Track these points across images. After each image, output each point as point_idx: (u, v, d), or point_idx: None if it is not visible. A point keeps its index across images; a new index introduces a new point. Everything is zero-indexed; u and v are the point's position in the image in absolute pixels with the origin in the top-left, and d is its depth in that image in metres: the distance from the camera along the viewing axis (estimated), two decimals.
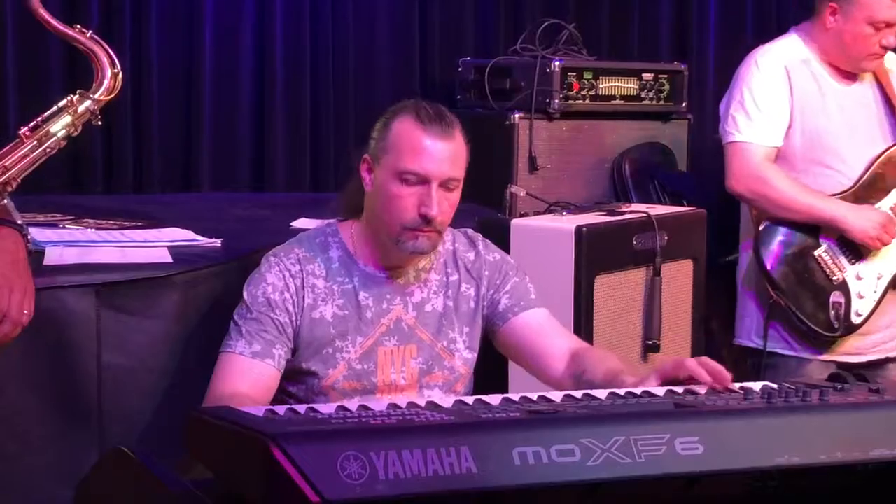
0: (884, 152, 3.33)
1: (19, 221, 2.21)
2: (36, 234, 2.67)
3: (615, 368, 2.27)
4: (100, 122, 2.20)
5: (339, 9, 4.44)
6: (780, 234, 3.28)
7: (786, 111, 3.29)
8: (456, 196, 2.34)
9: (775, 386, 1.97)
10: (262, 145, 4.34)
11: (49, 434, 2.44)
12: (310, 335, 2.34)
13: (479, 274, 2.46)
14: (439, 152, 2.29)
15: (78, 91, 2.17)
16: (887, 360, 3.40)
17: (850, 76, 3.34)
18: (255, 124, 4.34)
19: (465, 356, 2.44)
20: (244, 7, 4.29)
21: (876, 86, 3.38)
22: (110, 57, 2.19)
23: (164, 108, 4.17)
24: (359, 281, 2.38)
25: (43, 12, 2.14)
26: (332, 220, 2.46)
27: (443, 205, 2.29)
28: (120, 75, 2.20)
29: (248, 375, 2.26)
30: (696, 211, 3.69)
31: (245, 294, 2.34)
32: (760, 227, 3.31)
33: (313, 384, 2.34)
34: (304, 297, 2.34)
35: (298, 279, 2.35)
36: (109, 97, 2.19)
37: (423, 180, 2.28)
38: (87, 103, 2.16)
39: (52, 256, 2.54)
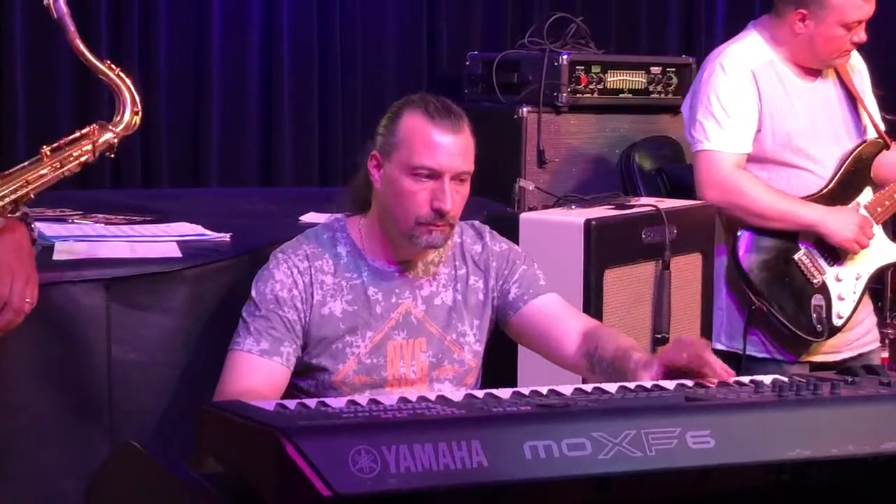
0: (854, 150, 3.32)
1: (29, 213, 2.22)
2: (45, 228, 2.67)
3: (624, 345, 2.28)
4: (113, 156, 2.26)
5: (347, 3, 4.45)
6: (758, 240, 3.26)
7: (754, 116, 3.26)
8: (466, 189, 2.34)
9: (786, 379, 1.97)
10: (270, 140, 4.34)
11: (59, 428, 2.44)
12: (319, 331, 2.34)
13: (486, 266, 2.47)
14: (451, 146, 2.29)
15: (99, 122, 2.23)
16: (861, 356, 3.38)
17: (812, 74, 3.33)
18: (263, 119, 4.35)
19: (474, 349, 2.45)
20: (251, 2, 4.29)
21: (838, 83, 3.37)
22: (133, 96, 2.24)
23: (172, 104, 4.17)
24: (367, 276, 2.38)
25: (79, 44, 2.20)
26: (339, 216, 2.46)
27: (455, 198, 2.29)
28: (140, 115, 2.27)
29: (257, 373, 2.26)
30: (704, 204, 3.67)
31: (253, 291, 2.34)
32: (738, 234, 3.28)
33: (323, 379, 2.34)
34: (312, 293, 2.34)
35: (307, 275, 2.35)
36: (127, 133, 2.25)
37: (436, 175, 2.28)
38: (108, 136, 2.22)
39: (62, 251, 2.54)
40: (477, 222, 2.56)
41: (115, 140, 2.22)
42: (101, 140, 2.20)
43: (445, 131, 2.29)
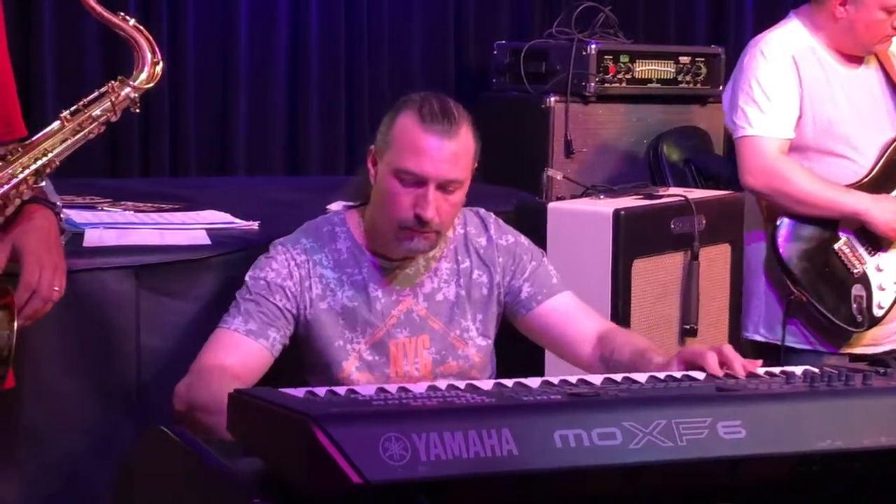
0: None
1: (58, 203, 2.22)
2: (75, 216, 2.69)
3: (641, 348, 2.25)
4: (138, 110, 2.20)
5: None
6: (798, 229, 3.22)
7: (796, 102, 3.22)
8: (458, 197, 2.26)
9: (817, 370, 1.96)
10: (297, 128, 4.35)
11: (88, 415, 2.46)
12: (319, 327, 2.30)
13: (491, 261, 2.41)
14: (438, 152, 2.20)
15: (118, 77, 2.17)
16: None
17: (854, 61, 3.29)
18: (290, 108, 4.35)
19: (478, 343, 2.40)
20: None
21: (880, 70, 3.34)
22: (151, 46, 2.19)
23: (200, 93, 4.18)
24: (368, 272, 2.33)
25: None
26: (339, 209, 2.42)
27: (441, 207, 2.21)
28: (160, 65, 2.20)
29: (237, 350, 2.22)
30: (733, 195, 3.65)
31: (248, 276, 2.31)
32: (777, 223, 3.23)
33: (330, 375, 2.31)
34: (310, 286, 2.30)
35: (304, 269, 2.31)
36: (149, 86, 2.19)
37: (420, 181, 2.20)
38: (127, 90, 2.16)
39: (92, 238, 2.55)
40: (482, 210, 2.47)
41: (136, 95, 2.15)
42: (121, 96, 2.15)
43: (435, 136, 2.20)
